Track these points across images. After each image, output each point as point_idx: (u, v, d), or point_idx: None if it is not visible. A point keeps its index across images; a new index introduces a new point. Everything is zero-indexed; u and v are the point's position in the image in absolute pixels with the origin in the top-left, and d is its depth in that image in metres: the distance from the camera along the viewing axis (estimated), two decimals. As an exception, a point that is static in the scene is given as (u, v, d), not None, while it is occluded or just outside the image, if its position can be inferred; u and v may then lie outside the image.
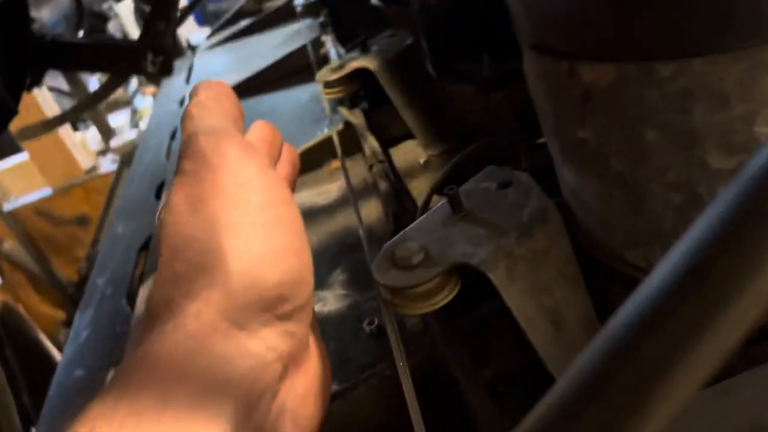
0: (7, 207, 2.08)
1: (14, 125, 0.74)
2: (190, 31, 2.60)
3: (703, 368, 0.14)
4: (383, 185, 0.57)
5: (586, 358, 0.15)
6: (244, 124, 0.36)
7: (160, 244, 0.29)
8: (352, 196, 0.51)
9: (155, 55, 0.75)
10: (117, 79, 0.85)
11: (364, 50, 0.69)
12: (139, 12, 1.56)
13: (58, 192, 2.09)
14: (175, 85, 1.24)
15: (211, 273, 0.26)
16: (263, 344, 0.26)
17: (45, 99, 1.98)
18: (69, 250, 2.12)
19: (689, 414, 0.15)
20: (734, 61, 0.25)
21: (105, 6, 1.55)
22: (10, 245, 2.05)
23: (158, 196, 0.85)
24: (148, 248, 0.73)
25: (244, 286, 0.26)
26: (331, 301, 0.51)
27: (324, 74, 0.67)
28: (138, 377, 0.23)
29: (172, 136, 1.01)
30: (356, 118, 0.68)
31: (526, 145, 0.47)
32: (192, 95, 0.34)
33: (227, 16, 1.46)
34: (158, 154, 0.98)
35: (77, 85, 1.97)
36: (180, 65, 1.28)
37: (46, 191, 2.10)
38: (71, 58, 0.66)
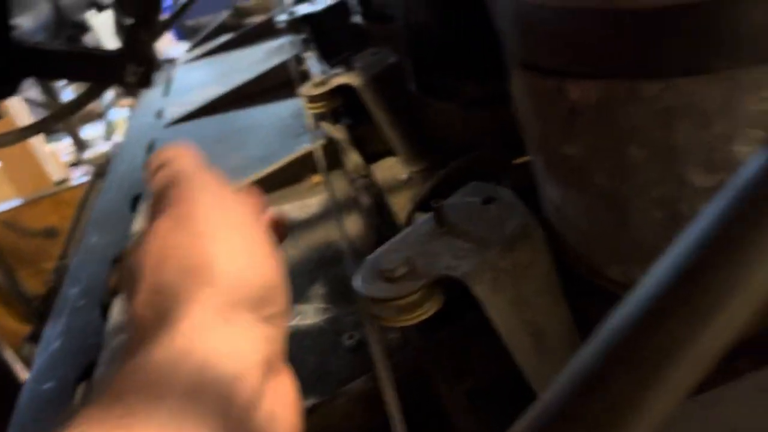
0: (-27, 217, 2.03)
1: (-12, 132, 0.73)
2: (168, 46, 2.59)
3: (690, 375, 0.15)
4: (365, 200, 0.57)
5: (575, 366, 0.15)
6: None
7: (140, 263, 0.29)
8: (336, 209, 0.51)
9: (137, 65, 0.74)
10: (97, 88, 0.84)
11: (348, 67, 0.70)
12: (118, 24, 1.55)
13: (26, 203, 2.05)
14: (153, 97, 1.23)
15: (199, 275, 0.27)
16: (250, 346, 0.26)
17: (18, 109, 1.94)
18: (36, 262, 2.07)
19: (669, 425, 0.15)
20: (717, 82, 0.26)
21: (84, 16, 1.54)
22: (-25, 256, 2.00)
23: (134, 208, 0.84)
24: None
25: (231, 285, 0.27)
26: (310, 315, 0.50)
27: (308, 89, 0.67)
28: (132, 381, 0.23)
29: (149, 149, 1.00)
30: (339, 133, 0.68)
31: (508, 163, 0.48)
32: (152, 158, 0.36)
33: (208, 30, 1.46)
34: (134, 166, 0.97)
35: (51, 96, 1.95)
36: (158, 78, 1.28)
37: (15, 202, 2.06)
38: (53, 66, 0.66)
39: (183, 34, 2.86)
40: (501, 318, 0.34)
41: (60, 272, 1.83)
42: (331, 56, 0.85)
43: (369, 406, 0.40)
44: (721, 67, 0.26)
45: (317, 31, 0.99)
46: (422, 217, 0.40)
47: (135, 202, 0.86)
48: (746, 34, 0.25)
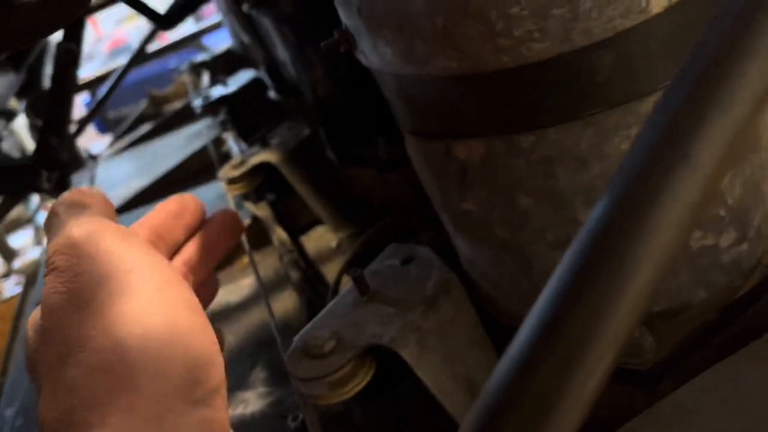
0: None
1: None
2: (91, 140, 2.56)
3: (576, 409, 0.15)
4: (295, 275, 0.57)
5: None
6: (116, 220, 0.32)
7: (40, 355, 0.26)
8: (263, 290, 0.51)
9: (50, 171, 0.73)
10: (13, 199, 0.82)
11: (264, 144, 0.71)
12: (32, 127, 1.53)
13: (-42, 323, 1.95)
14: (78, 197, 1.21)
15: (115, 377, 0.24)
16: None
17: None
18: (-27, 384, 1.96)
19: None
20: (585, 127, 0.28)
21: (-2, 125, 1.51)
22: None
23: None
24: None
25: (152, 377, 0.24)
26: (253, 402, 0.49)
27: (226, 171, 0.68)
28: None
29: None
30: (262, 210, 0.68)
31: (424, 219, 0.49)
32: (54, 206, 0.31)
33: (127, 122, 1.45)
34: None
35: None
36: (81, 177, 1.26)
37: (-56, 324, 1.95)
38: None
39: (105, 128, 2.84)
40: (432, 378, 0.35)
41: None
42: (249, 134, 0.86)
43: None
44: (585, 114, 0.28)
45: (233, 111, 1.00)
46: (346, 288, 0.41)
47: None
48: (602, 80, 0.27)
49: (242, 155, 0.71)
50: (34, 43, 1.27)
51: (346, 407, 0.43)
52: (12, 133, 2.19)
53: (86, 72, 1.86)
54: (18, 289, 1.88)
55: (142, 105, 1.55)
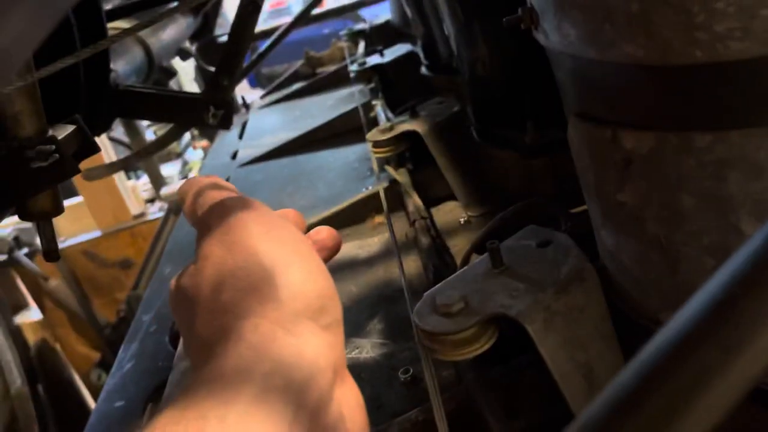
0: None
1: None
2: (242, 92, 2.72)
3: (720, 404, 0.16)
4: (424, 240, 0.59)
5: (611, 390, 0.17)
6: None
7: (196, 288, 0.31)
8: (396, 249, 0.53)
9: (217, 108, 0.79)
10: (180, 129, 0.90)
11: (413, 115, 0.73)
12: (199, 69, 1.65)
13: (105, 235, 2.17)
14: (229, 140, 1.30)
15: (260, 291, 0.29)
16: (315, 352, 0.28)
17: (104, 148, 2.08)
18: (110, 291, 2.17)
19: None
20: (768, 135, 0.27)
21: (171, 63, 1.65)
22: (55, 283, 2.11)
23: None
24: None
25: (292, 296, 0.29)
26: (368, 349, 0.52)
27: (374, 134, 0.70)
28: (205, 389, 0.25)
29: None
30: (402, 176, 0.71)
31: (564, 209, 0.49)
32: (185, 186, 0.38)
33: (283, 77, 1.53)
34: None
35: (136, 136, 2.08)
36: (234, 121, 1.35)
37: (95, 233, 2.18)
38: (142, 106, 0.72)
39: (256, 82, 3.01)
40: (553, 358, 0.35)
41: (132, 302, 1.91)
42: (397, 105, 0.89)
43: (420, 439, 0.41)
44: (772, 121, 0.27)
45: (385, 81, 1.03)
46: (479, 258, 0.42)
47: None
48: (797, 90, 0.26)
49: (391, 122, 0.73)
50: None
51: (458, 373, 0.45)
52: (177, 74, 2.37)
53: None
54: (161, 214, 2.07)
55: (294, 64, 1.63)
